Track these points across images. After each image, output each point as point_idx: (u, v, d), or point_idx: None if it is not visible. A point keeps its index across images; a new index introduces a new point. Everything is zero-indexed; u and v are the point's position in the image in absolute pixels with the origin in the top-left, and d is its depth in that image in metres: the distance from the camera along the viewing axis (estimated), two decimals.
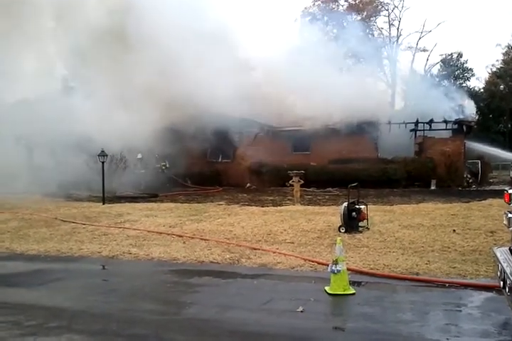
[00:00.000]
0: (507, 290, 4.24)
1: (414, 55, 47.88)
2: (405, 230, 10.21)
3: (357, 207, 10.46)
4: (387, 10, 48.00)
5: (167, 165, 25.99)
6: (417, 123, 24.05)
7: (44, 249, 9.49)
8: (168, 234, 10.67)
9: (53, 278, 7.48)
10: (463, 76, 53.00)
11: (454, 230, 10.01)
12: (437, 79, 44.15)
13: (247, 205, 15.97)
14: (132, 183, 22.72)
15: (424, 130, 24.27)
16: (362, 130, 24.58)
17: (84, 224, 12.33)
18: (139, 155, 24.99)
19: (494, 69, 52.53)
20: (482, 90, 51.43)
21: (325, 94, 25.82)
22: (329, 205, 15.21)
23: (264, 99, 24.43)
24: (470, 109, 26.45)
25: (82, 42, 23.96)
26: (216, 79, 24.71)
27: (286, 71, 25.31)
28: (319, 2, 48.19)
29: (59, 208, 16.16)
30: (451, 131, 24.18)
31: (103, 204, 16.92)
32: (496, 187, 21.38)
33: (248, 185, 25.16)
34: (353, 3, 47.52)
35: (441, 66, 51.71)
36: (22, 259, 8.92)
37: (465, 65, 53.02)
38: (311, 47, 27.47)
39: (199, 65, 24.74)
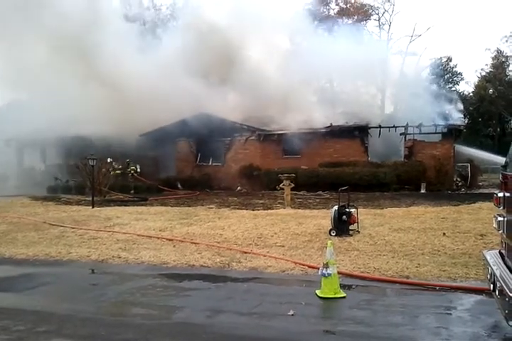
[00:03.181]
0: (497, 293, 4.26)
1: (404, 59, 48.18)
2: (395, 233, 10.23)
3: (347, 210, 10.47)
4: (378, 14, 48.35)
5: (137, 170, 25.60)
6: (406, 126, 24.16)
7: (33, 253, 9.42)
8: (158, 238, 10.62)
9: (42, 283, 7.42)
10: (452, 80, 53.37)
11: (444, 233, 10.04)
12: (427, 83, 44.42)
13: (238, 209, 15.94)
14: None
15: (413, 134, 24.38)
16: (352, 134, 24.67)
17: (73, 228, 12.25)
18: (109, 159, 24.59)
19: (483, 74, 52.99)
20: (471, 94, 51.82)
21: (316, 97, 25.94)
22: (320, 209, 15.21)
23: (255, 102, 24.46)
24: (459, 113, 26.58)
25: None
26: (208, 82, 24.79)
27: (277, 75, 25.40)
28: (310, 6, 48.43)
29: (48, 212, 16.05)
30: (440, 134, 24.30)
31: (92, 207, 16.81)
32: (486, 191, 21.52)
33: (239, 188, 25.13)
34: (344, 6, 47.77)
35: (430, 70, 52.04)
36: (10, 263, 8.84)
37: (454, 69, 53.43)
38: (301, 51, 27.54)
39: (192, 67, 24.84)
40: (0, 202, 18.82)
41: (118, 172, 24.30)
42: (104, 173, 21.63)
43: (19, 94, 27.83)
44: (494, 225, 4.60)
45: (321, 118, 24.51)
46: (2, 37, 24.34)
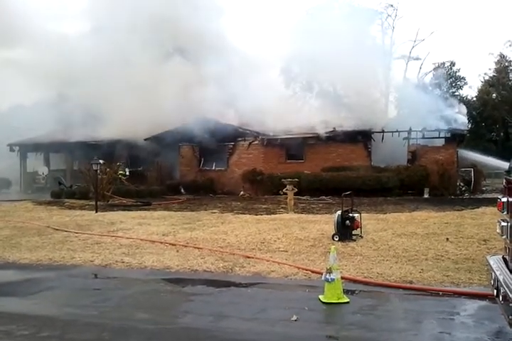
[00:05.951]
0: (500, 298, 4.24)
1: (407, 64, 48.14)
2: (399, 238, 10.21)
3: (350, 215, 10.44)
4: (381, 19, 48.32)
5: (127, 174, 25.35)
6: (409, 131, 24.12)
7: (36, 258, 9.42)
8: (161, 243, 10.62)
9: (45, 287, 7.43)
10: (455, 84, 53.35)
11: (447, 238, 10.01)
12: (430, 88, 44.38)
13: (241, 213, 15.93)
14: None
15: (417, 138, 24.35)
16: (355, 138, 24.67)
17: (76, 233, 12.25)
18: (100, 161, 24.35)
19: (487, 78, 52.93)
20: (475, 99, 51.78)
21: (319, 101, 25.92)
22: (323, 213, 15.19)
23: (258, 106, 24.50)
24: (462, 118, 26.49)
25: None
26: (211, 86, 24.85)
27: (279, 78, 25.46)
28: (313, 10, 48.40)
29: (51, 216, 16.07)
30: (444, 139, 24.27)
31: (96, 212, 16.82)
32: (489, 196, 21.48)
33: (242, 193, 25.13)
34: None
35: (433, 75, 52.02)
36: (14, 268, 8.85)
37: (458, 74, 53.43)
38: (305, 55, 27.57)
39: (194, 71, 24.92)
40: (4, 207, 18.87)
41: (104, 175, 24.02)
42: (107, 178, 21.59)
43: (22, 99, 27.98)
44: (498, 230, 4.58)
45: (324, 123, 24.50)
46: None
